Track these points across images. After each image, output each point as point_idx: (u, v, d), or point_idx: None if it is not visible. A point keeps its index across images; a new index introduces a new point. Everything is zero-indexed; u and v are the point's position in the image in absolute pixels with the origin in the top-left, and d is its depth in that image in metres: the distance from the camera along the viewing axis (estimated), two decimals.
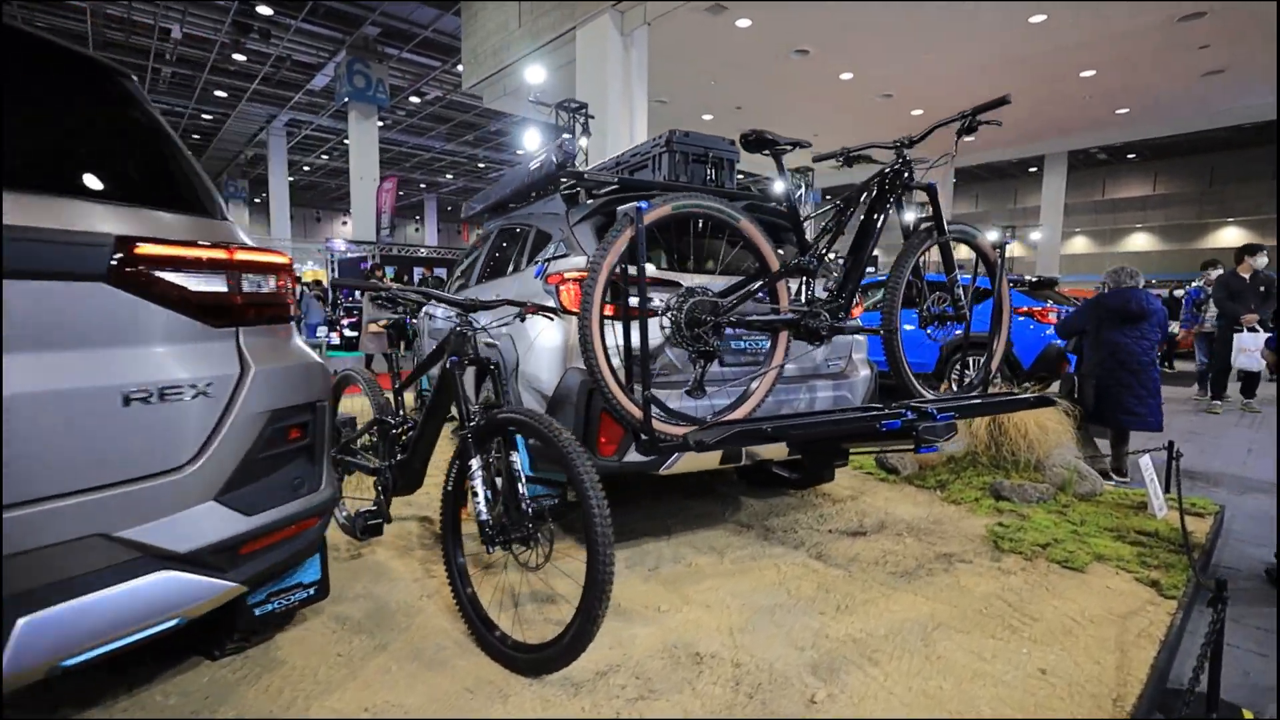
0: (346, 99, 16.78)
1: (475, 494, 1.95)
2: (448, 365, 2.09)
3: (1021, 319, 6.92)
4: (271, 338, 1.56)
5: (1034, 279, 7.85)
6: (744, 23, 11.31)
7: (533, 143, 12.89)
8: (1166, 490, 3.72)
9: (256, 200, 28.13)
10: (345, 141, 20.22)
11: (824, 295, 2.43)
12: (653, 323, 2.03)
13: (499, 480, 2.11)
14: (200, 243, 1.42)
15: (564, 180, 2.96)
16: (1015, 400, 2.57)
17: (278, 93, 18.72)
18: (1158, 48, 11.58)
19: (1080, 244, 29.60)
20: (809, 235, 2.42)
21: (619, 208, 1.88)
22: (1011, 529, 3.16)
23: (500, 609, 2.21)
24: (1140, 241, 28.22)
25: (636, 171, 3.49)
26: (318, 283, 18.35)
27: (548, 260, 2.79)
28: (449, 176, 28.69)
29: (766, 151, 2.33)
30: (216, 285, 1.43)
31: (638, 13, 10.70)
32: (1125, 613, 2.37)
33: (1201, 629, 2.06)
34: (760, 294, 2.30)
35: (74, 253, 1.23)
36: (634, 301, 1.98)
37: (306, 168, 27.17)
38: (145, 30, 15.26)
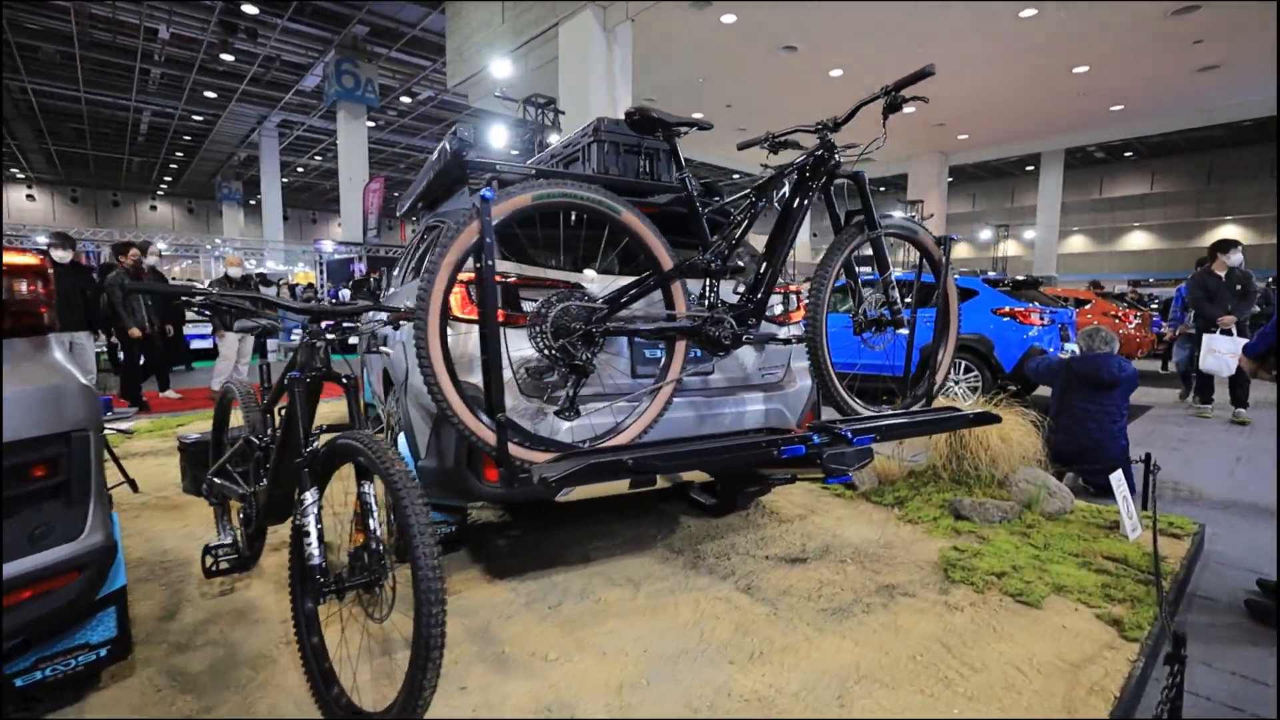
0: (335, 99, 16.53)
1: (307, 534, 1.65)
2: (285, 381, 1.79)
3: (1005, 320, 6.59)
4: (10, 353, 1.27)
5: (1017, 279, 7.50)
6: (729, 18, 10.98)
7: (499, 140, 12.60)
8: (1144, 507, 3.41)
9: (252, 202, 27.94)
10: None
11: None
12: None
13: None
14: None
15: (471, 172, 2.65)
16: (949, 419, 2.24)
17: (268, 93, 18.50)
18: (1151, 42, 11.20)
19: (1078, 243, 29.14)
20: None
21: (471, 198, 1.58)
22: (967, 554, 2.84)
23: (359, 659, 1.92)
24: (1138, 240, 27.76)
25: (570, 164, 3.19)
26: (310, 285, 18.09)
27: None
28: None
29: (658, 134, 2.03)
30: None
31: (620, 8, 10.39)
32: (1079, 660, 2.06)
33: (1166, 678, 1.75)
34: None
35: None
36: (528, 305, 1.68)
37: (300, 169, 26.96)
38: (132, 30, 15.02)
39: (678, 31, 11.48)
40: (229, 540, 2.46)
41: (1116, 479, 3.11)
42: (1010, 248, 29.85)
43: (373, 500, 1.73)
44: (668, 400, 1.99)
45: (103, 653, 1.64)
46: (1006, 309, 6.60)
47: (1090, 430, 3.83)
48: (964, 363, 6.69)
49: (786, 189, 2.15)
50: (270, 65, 17.00)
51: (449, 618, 2.22)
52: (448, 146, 2.46)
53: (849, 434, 1.89)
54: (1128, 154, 26.12)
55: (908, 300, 2.46)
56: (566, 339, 1.75)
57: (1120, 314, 9.79)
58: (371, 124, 20.41)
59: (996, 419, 2.43)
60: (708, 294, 2.06)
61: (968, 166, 25.65)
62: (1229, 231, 24.86)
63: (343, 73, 16.32)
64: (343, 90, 16.33)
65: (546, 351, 1.76)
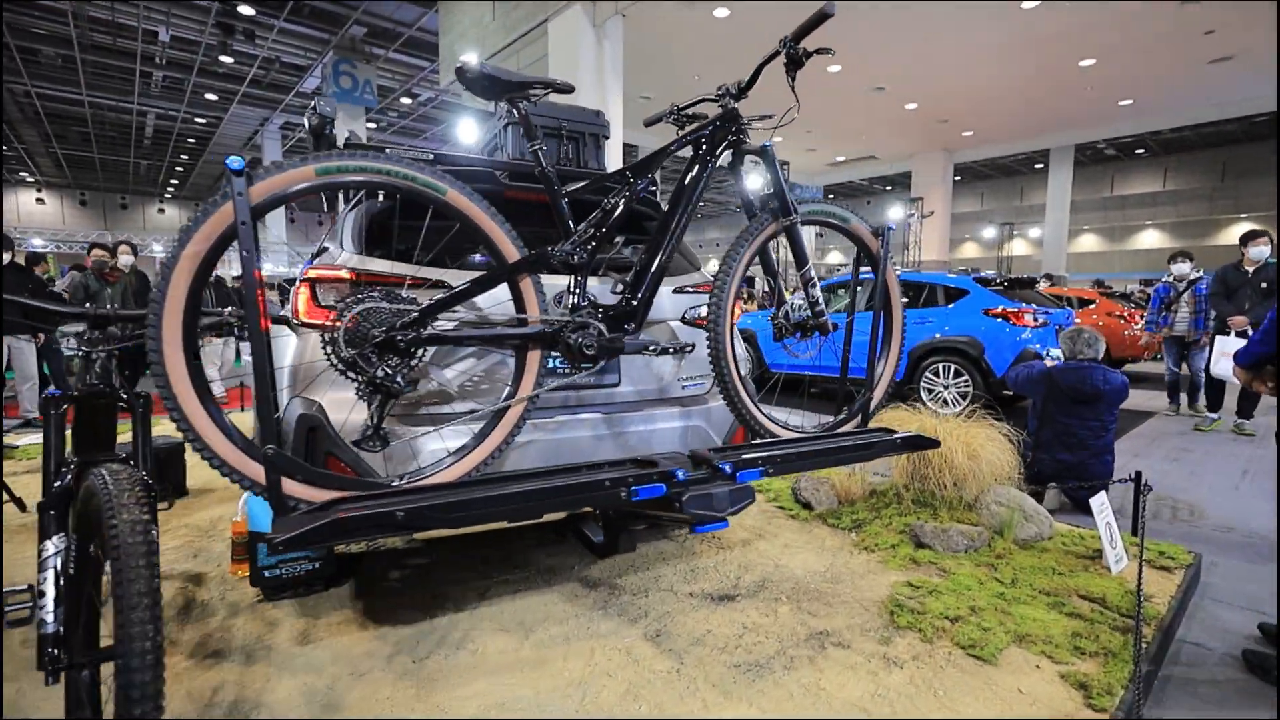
0: (334, 100, 16.34)
1: (42, 594, 1.31)
2: (40, 402, 1.46)
3: (996, 321, 6.15)
4: None
5: (1013, 277, 7.04)
6: (722, 12, 10.58)
7: (467, 134, 12.35)
8: (1135, 531, 2.99)
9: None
10: None
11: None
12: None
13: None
14: None
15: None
16: (870, 445, 1.83)
17: (269, 95, 18.37)
18: (1160, 34, 10.62)
19: (1089, 241, 28.31)
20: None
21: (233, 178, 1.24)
22: (921, 591, 2.46)
23: None
24: (1150, 239, 26.90)
25: (494, 153, 2.85)
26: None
27: (314, 255, 2.16)
28: None
29: (507, 99, 1.67)
30: None
31: (610, 4, 10.05)
32: None
33: None
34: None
35: None
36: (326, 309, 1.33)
37: None
38: (131, 33, 14.91)
39: (670, 27, 11.10)
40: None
41: (1098, 503, 2.71)
42: (1019, 246, 29.07)
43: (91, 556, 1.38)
44: (516, 423, 1.63)
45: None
46: (998, 309, 6.16)
47: (1073, 446, 3.43)
48: (953, 366, 6.26)
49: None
50: (270, 67, 16.85)
51: (289, 676, 1.90)
52: (307, 122, 2.12)
53: (729, 468, 1.53)
54: (1139, 150, 25.27)
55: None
56: (359, 350, 1.40)
57: (1126, 314, 9.27)
58: (372, 125, 20.23)
59: (933, 443, 2.04)
60: (572, 292, 1.70)
61: (975, 164, 24.97)
62: (1244, 229, 23.98)
63: (340, 74, 16.12)
64: (341, 91, 16.13)
65: (336, 365, 1.41)
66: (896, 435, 1.91)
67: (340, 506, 1.18)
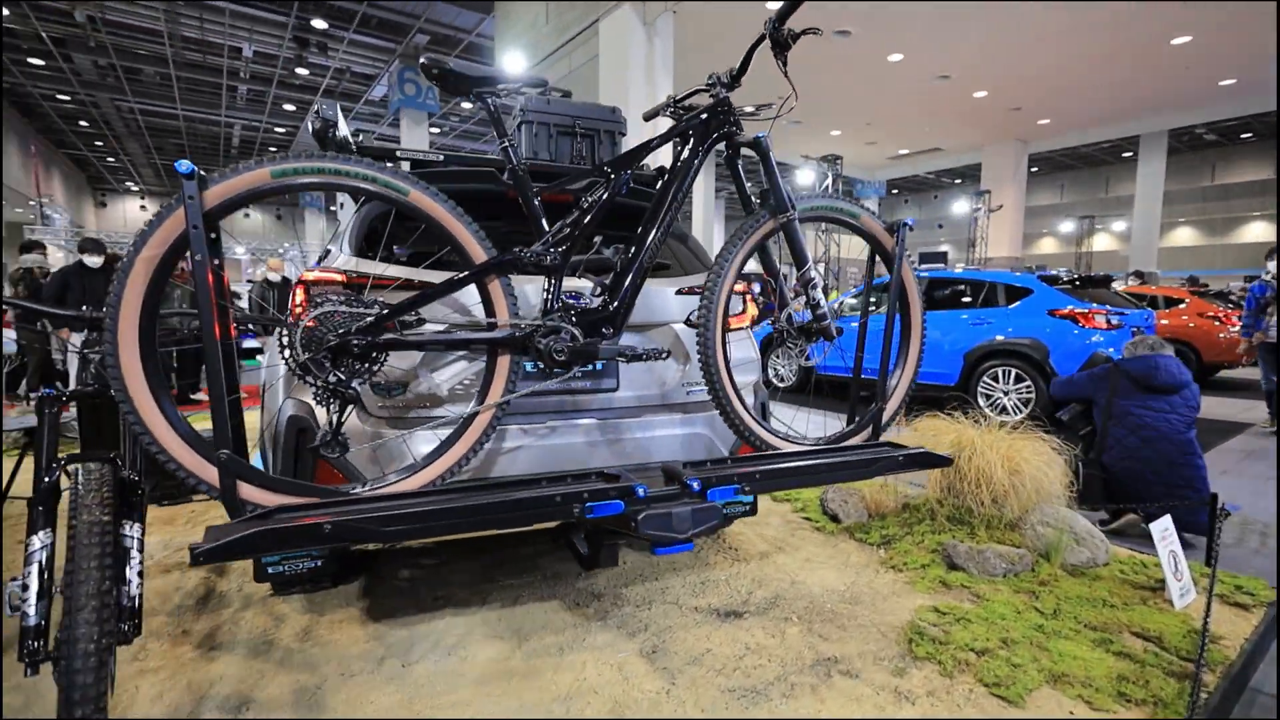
0: (398, 106, 16.99)
1: (25, 587, 1.35)
2: (36, 400, 1.50)
3: (1063, 322, 5.70)
4: None
5: (1085, 275, 6.50)
6: (775, 5, 10.29)
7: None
8: (1208, 560, 2.66)
9: (332, 209, 29.35)
10: None
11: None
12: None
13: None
14: None
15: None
16: (870, 461, 1.65)
17: (341, 104, 19.30)
18: (1263, 7, 9.57)
19: (1185, 235, 26.03)
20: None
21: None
22: (947, 619, 2.26)
23: None
24: (1256, 231, 24.45)
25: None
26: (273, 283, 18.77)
27: (321, 258, 2.18)
28: None
29: (474, 95, 1.60)
30: None
31: (661, 2, 9.95)
32: None
33: None
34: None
35: None
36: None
37: None
38: (219, 50, 15.97)
39: (721, 22, 10.88)
40: None
41: (1160, 528, 2.41)
42: (1101, 241, 27.03)
43: (130, 543, 1.41)
44: (485, 430, 1.57)
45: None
46: (1066, 310, 5.70)
47: (1154, 440, 3.02)
48: (1014, 371, 5.83)
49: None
50: (341, 77, 17.67)
51: (284, 673, 1.92)
52: (309, 126, 2.14)
53: (696, 484, 1.41)
54: (1245, 135, 22.99)
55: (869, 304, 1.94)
56: (313, 354, 1.37)
57: (1221, 315, 8.40)
58: (435, 130, 20.88)
59: (943, 461, 1.85)
60: (546, 294, 1.63)
61: (1055, 154, 23.39)
62: None
63: (405, 81, 16.73)
64: (405, 98, 16.74)
65: (292, 368, 1.39)
66: (900, 452, 1.74)
67: (276, 516, 1.16)
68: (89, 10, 14.23)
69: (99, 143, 22.74)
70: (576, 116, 2.69)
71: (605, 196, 1.67)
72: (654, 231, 1.68)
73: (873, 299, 7.57)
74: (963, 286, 6.65)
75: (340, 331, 1.38)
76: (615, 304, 1.67)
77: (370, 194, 1.40)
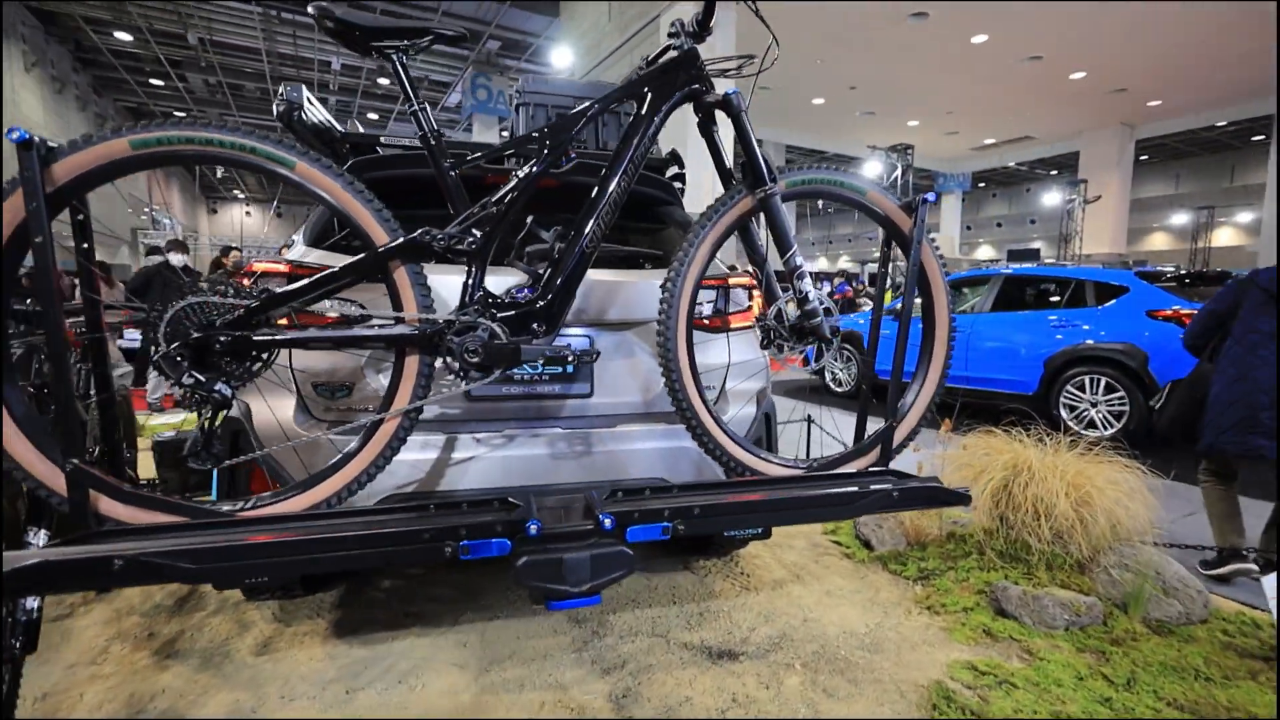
0: (471, 112, 17.46)
1: None
2: None
3: (1165, 325, 4.93)
4: None
5: (1195, 271, 5.60)
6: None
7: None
8: None
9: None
10: None
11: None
12: None
13: None
14: None
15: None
16: (853, 496, 1.27)
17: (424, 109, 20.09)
18: None
19: None
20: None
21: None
22: (987, 680, 1.85)
23: None
24: None
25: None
26: None
27: (281, 248, 2.05)
28: None
29: (377, 50, 1.38)
30: None
31: None
32: None
33: None
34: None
35: None
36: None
37: None
38: (310, 64, 16.93)
39: (788, 11, 10.37)
40: None
41: (1271, 584, 1.89)
42: (1224, 235, 24.02)
43: None
44: (389, 443, 1.35)
45: None
46: (1169, 310, 4.92)
47: (1271, 360, 2.38)
48: (1104, 380, 5.10)
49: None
50: (420, 85, 18.37)
51: (227, 690, 1.78)
52: (274, 110, 2.00)
53: (609, 521, 1.13)
54: None
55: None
56: (166, 350, 1.19)
57: None
58: (507, 134, 21.36)
59: (959, 499, 1.44)
60: (467, 285, 1.39)
61: (1169, 140, 20.99)
62: None
63: (477, 87, 17.16)
64: (477, 103, 17.17)
65: (155, 364, 1.21)
66: (895, 486, 1.37)
67: (67, 546, 0.98)
68: (199, 33, 15.41)
69: None
70: (577, 96, 2.45)
71: (537, 172, 1.41)
72: (600, 209, 1.41)
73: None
74: (1044, 284, 5.93)
75: (203, 326, 1.20)
76: (548, 297, 1.41)
77: (250, 166, 1.22)
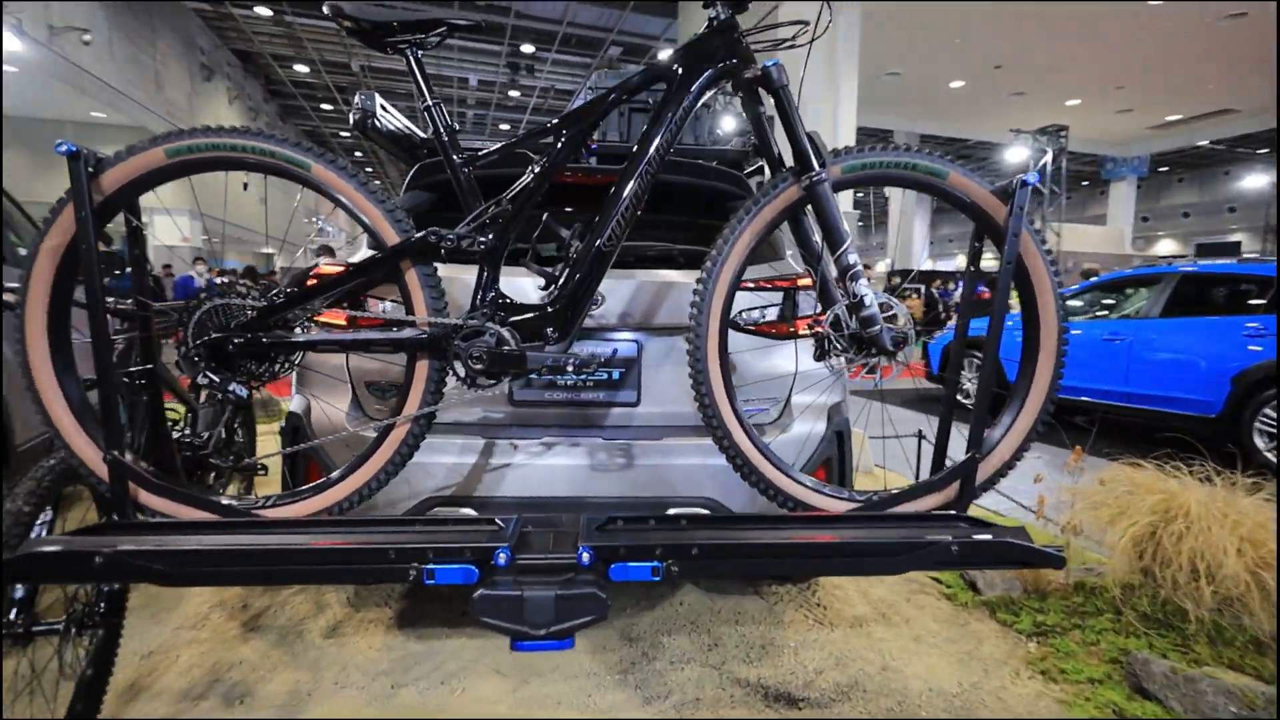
0: None
1: None
2: None
3: None
4: None
5: None
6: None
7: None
8: None
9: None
10: None
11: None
12: None
13: None
14: None
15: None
16: (900, 548, 0.98)
17: (545, 121, 21.12)
18: None
19: None
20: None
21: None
22: None
23: None
24: None
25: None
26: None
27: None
28: None
29: (390, 45, 1.31)
30: None
31: None
32: None
33: None
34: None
35: None
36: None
37: None
38: (450, 82, 18.37)
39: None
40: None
41: None
42: None
43: None
44: (398, 449, 1.29)
45: None
46: None
47: None
48: None
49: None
50: (546, 95, 19.18)
51: (291, 670, 1.87)
52: (350, 119, 2.08)
53: (586, 556, 0.98)
54: None
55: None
56: (186, 350, 1.21)
57: None
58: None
59: (1048, 560, 1.10)
60: (480, 288, 1.31)
61: None
62: None
63: (593, 92, 17.69)
64: None
65: (178, 364, 1.24)
66: (956, 539, 1.07)
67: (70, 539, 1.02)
68: (360, 61, 17.19)
69: (369, 169, 27.66)
70: (650, 94, 2.33)
71: (550, 167, 1.31)
72: (622, 205, 1.28)
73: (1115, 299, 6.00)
74: (1232, 284, 4.90)
75: (221, 327, 1.23)
76: (561, 301, 1.30)
77: (273, 169, 1.23)
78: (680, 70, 1.32)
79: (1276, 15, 8.59)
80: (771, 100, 1.31)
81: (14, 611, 1.33)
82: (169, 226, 15.02)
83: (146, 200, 1.26)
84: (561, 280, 1.31)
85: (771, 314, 1.79)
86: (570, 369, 1.28)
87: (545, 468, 1.65)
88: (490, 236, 1.29)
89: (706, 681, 1.87)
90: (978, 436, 1.28)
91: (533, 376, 1.34)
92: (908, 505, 1.32)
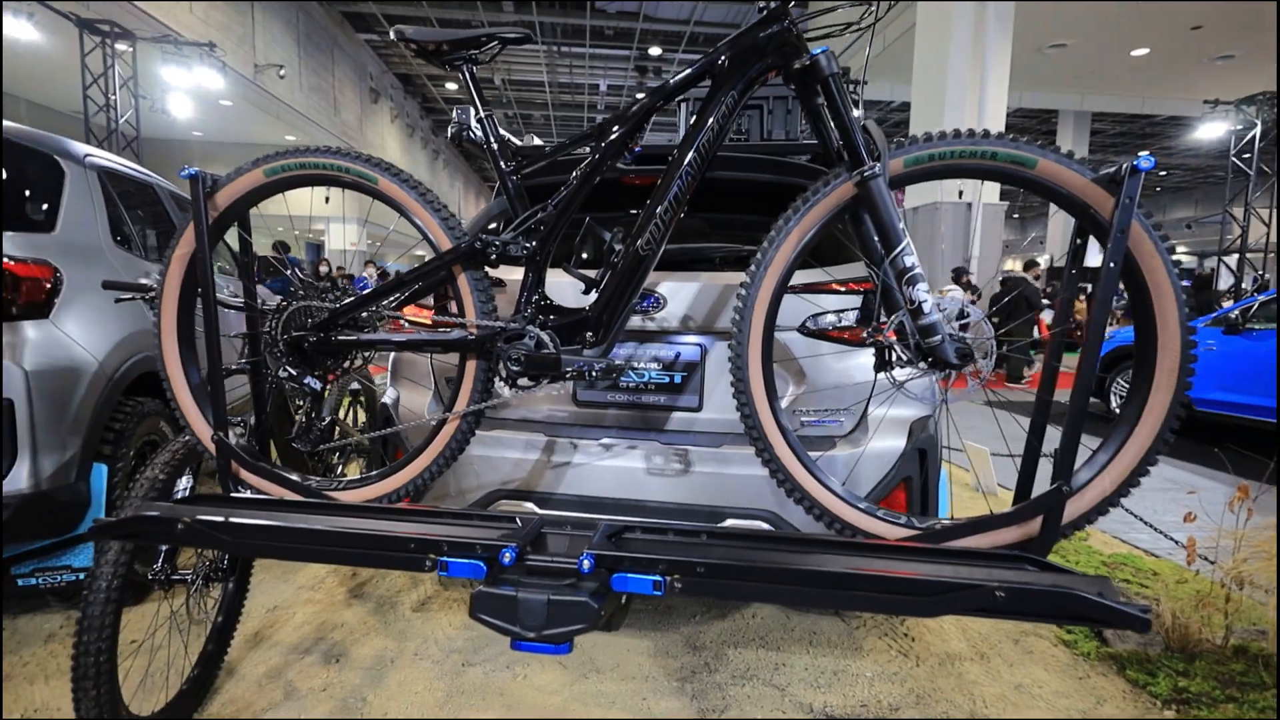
0: None
1: None
2: None
3: None
4: None
5: None
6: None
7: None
8: None
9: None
10: None
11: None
12: None
13: None
14: None
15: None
16: (930, 586, 0.81)
17: (670, 121, 21.25)
18: None
19: None
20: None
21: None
22: None
23: None
24: None
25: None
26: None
27: None
28: None
29: (448, 62, 1.36)
30: None
31: None
32: None
33: None
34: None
35: None
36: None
37: None
38: (581, 89, 19.17)
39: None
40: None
41: None
42: None
43: None
44: (448, 443, 1.35)
45: (80, 575, 1.99)
46: None
47: None
48: None
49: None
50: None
51: (381, 637, 2.07)
52: (449, 132, 2.22)
53: (587, 563, 0.94)
54: None
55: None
56: (268, 348, 1.35)
57: None
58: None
59: (1128, 620, 0.86)
60: (524, 291, 1.33)
61: None
62: None
63: None
64: None
65: (274, 366, 1.39)
66: (1002, 584, 0.90)
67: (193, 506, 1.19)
68: (502, 75, 18.43)
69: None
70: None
71: (590, 170, 1.30)
72: (662, 207, 1.25)
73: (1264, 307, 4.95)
74: None
75: (301, 326, 1.37)
76: (599, 304, 1.29)
77: (348, 184, 1.35)
78: (726, 63, 1.26)
79: (1277, 16, 8.60)
80: (819, 89, 1.20)
81: (160, 560, 1.59)
82: (340, 233, 17.13)
83: (328, 210, 1.47)
84: (601, 284, 1.31)
85: (850, 318, 1.66)
86: (595, 374, 1.29)
87: (603, 468, 1.66)
88: (534, 242, 1.32)
89: (767, 701, 1.79)
90: (1067, 466, 1.09)
91: (595, 378, 1.36)
92: (978, 538, 1.16)
